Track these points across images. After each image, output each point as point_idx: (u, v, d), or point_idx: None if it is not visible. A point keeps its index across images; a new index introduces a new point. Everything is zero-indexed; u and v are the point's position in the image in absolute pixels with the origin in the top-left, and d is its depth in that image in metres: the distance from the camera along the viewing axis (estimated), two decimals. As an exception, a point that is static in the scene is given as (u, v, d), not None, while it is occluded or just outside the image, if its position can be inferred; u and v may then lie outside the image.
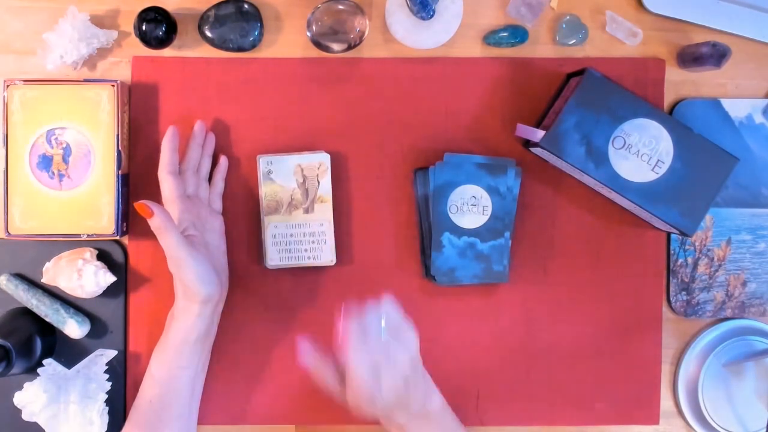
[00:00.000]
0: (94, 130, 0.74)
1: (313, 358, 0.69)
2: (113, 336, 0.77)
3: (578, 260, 0.79)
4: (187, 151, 0.75)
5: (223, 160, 0.77)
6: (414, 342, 0.68)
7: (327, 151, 0.77)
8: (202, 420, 0.77)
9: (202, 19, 0.76)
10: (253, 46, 0.77)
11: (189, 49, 0.78)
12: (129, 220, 0.77)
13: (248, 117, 0.78)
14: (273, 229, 0.76)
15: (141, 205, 0.65)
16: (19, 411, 0.72)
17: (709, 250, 0.79)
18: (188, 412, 0.72)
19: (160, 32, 0.74)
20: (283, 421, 0.79)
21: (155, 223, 0.66)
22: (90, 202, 0.74)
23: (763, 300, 0.79)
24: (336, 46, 0.76)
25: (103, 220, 0.74)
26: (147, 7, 0.74)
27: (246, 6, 0.76)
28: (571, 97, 0.71)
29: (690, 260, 0.79)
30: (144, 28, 0.74)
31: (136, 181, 0.78)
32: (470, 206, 0.75)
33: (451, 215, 0.75)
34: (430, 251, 0.75)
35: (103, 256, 0.77)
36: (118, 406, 0.77)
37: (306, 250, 0.76)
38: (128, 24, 0.77)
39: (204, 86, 0.78)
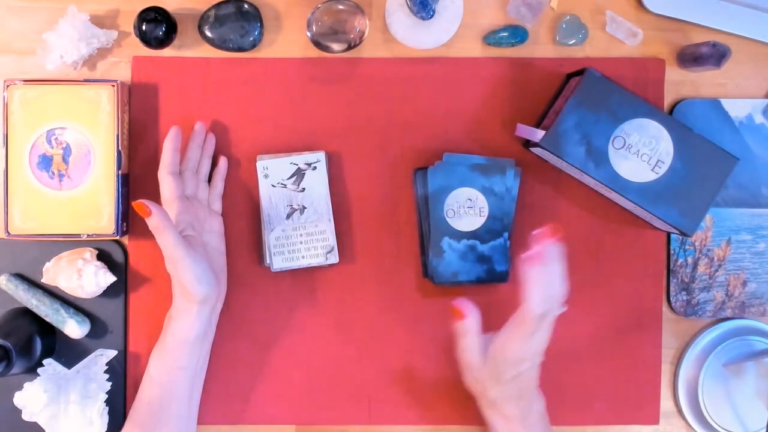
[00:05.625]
0: (94, 130, 0.74)
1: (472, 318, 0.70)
2: (113, 336, 0.77)
3: (578, 260, 0.79)
4: (186, 152, 0.75)
5: (223, 161, 0.77)
6: None
7: (327, 151, 0.77)
8: (202, 420, 0.77)
9: (202, 19, 0.76)
10: (253, 46, 0.77)
11: (189, 49, 0.78)
12: (129, 220, 0.77)
13: (248, 117, 0.78)
14: (274, 231, 0.76)
15: (139, 204, 0.65)
16: (19, 411, 0.72)
17: (709, 250, 0.79)
18: (187, 413, 0.72)
19: (160, 32, 0.74)
20: (283, 421, 0.79)
21: (153, 222, 0.66)
22: (90, 202, 0.74)
23: (763, 300, 0.79)
24: (336, 46, 0.76)
25: (103, 220, 0.74)
26: (147, 7, 0.74)
27: (246, 6, 0.76)
28: (571, 97, 0.71)
29: (690, 260, 0.79)
30: (144, 28, 0.74)
31: (136, 181, 0.78)
32: (467, 209, 0.75)
33: (448, 219, 0.75)
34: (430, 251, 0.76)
35: (103, 256, 0.77)
36: (118, 406, 0.77)
37: (306, 251, 0.76)
38: (128, 24, 0.77)
39: (204, 86, 0.78)
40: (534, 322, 0.65)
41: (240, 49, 0.77)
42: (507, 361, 0.67)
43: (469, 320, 0.70)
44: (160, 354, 0.71)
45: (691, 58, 0.76)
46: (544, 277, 0.64)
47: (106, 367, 0.75)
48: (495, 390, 0.69)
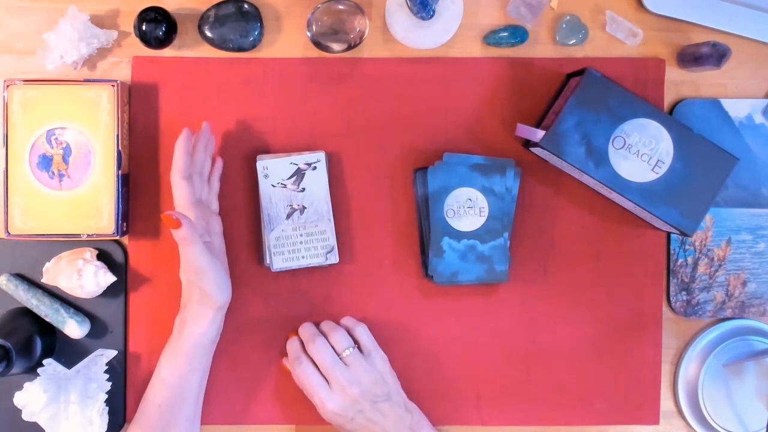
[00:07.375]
0: (94, 130, 0.74)
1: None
2: (113, 336, 0.77)
3: (578, 260, 0.79)
4: (194, 154, 0.74)
5: (219, 161, 0.77)
6: (381, 364, 0.73)
7: (327, 151, 0.77)
8: (202, 420, 0.77)
9: (202, 19, 0.76)
10: (253, 46, 0.77)
11: (189, 49, 0.78)
12: (129, 220, 0.77)
13: (248, 117, 0.78)
14: (274, 231, 0.76)
15: (167, 216, 0.63)
16: (19, 411, 0.72)
17: (709, 250, 0.79)
18: (194, 414, 0.72)
19: (160, 32, 0.74)
20: (283, 421, 0.79)
21: (181, 233, 0.64)
22: (90, 202, 0.74)
23: (763, 300, 0.79)
24: (336, 46, 0.76)
25: (103, 220, 0.74)
26: (147, 7, 0.74)
27: (246, 6, 0.76)
28: (571, 97, 0.71)
29: (690, 260, 0.79)
30: (144, 28, 0.74)
31: (136, 181, 0.78)
32: (467, 209, 0.75)
33: (448, 219, 0.75)
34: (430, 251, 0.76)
35: (103, 256, 0.77)
36: (118, 406, 0.77)
37: (306, 251, 0.76)
38: (128, 24, 0.77)
39: (204, 86, 0.78)
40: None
41: (240, 49, 0.77)
42: None
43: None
44: (173, 357, 0.71)
45: (691, 58, 0.76)
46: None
47: (106, 367, 0.75)
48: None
